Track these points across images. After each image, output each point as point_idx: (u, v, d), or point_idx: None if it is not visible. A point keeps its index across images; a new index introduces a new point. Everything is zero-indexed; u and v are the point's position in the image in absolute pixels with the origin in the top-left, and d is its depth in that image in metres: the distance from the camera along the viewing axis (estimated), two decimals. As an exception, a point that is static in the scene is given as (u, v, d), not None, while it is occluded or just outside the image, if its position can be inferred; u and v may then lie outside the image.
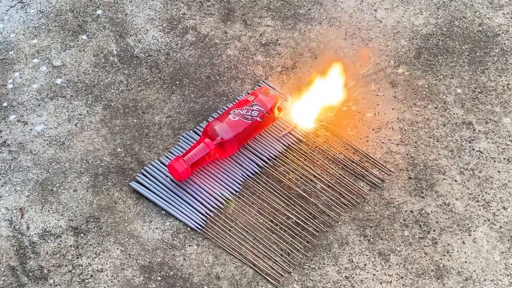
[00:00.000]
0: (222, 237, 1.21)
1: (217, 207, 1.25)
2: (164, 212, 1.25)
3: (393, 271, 1.19)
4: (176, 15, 1.57)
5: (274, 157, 1.32)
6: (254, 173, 1.30)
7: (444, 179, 1.31)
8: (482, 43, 1.54)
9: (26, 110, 1.39)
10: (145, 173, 1.29)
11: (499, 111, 1.42)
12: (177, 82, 1.45)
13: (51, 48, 1.50)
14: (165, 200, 1.25)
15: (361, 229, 1.24)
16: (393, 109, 1.41)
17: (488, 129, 1.38)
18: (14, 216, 1.24)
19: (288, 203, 1.26)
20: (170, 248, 1.20)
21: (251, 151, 1.33)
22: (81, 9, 1.58)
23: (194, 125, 1.37)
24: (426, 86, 1.46)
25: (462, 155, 1.34)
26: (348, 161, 1.32)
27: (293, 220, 1.24)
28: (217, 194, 1.26)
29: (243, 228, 1.23)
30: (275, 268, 1.18)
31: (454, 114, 1.41)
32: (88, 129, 1.37)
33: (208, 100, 1.41)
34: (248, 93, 1.38)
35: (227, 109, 1.34)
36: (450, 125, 1.39)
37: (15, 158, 1.32)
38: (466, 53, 1.52)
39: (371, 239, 1.22)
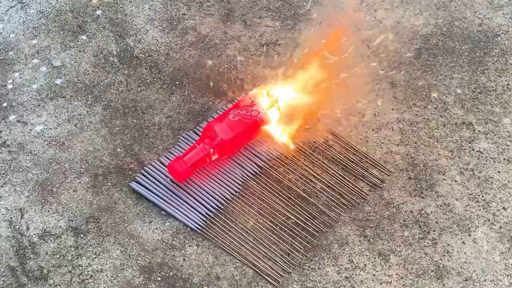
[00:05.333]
0: (222, 238, 1.21)
1: (217, 207, 1.25)
2: (164, 213, 1.25)
3: (393, 272, 1.19)
4: (176, 15, 1.57)
5: (274, 158, 1.32)
6: (254, 173, 1.30)
7: (444, 179, 1.31)
8: (482, 44, 1.54)
9: (26, 110, 1.39)
10: (145, 173, 1.29)
11: (499, 111, 1.42)
12: (177, 83, 1.45)
13: (51, 48, 1.50)
14: (165, 201, 1.25)
15: (361, 229, 1.24)
16: (393, 109, 1.41)
17: (488, 129, 1.38)
18: (14, 216, 1.24)
19: (288, 203, 1.26)
20: (170, 249, 1.20)
21: (251, 152, 1.33)
22: (81, 9, 1.58)
23: (194, 126, 1.37)
24: (426, 86, 1.46)
25: (462, 156, 1.34)
26: (348, 161, 1.32)
27: (293, 221, 1.24)
28: (217, 195, 1.26)
29: (243, 229, 1.23)
30: (275, 269, 1.18)
31: (454, 114, 1.41)
32: (88, 129, 1.37)
33: (208, 100, 1.41)
34: (247, 94, 1.38)
35: (226, 109, 1.34)
36: (450, 126, 1.39)
37: (15, 158, 1.32)
38: (466, 54, 1.52)
39: (371, 240, 1.22)
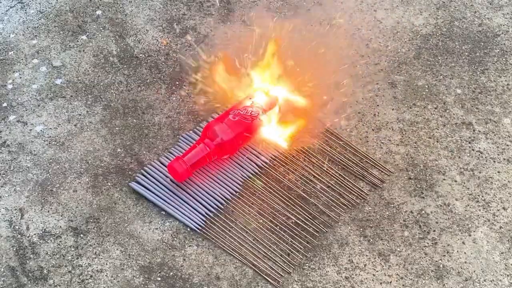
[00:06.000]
0: (222, 238, 1.21)
1: (217, 207, 1.25)
2: (164, 213, 1.25)
3: (393, 272, 1.19)
4: (176, 15, 1.57)
5: (274, 158, 1.32)
6: (254, 173, 1.30)
7: (444, 179, 1.31)
8: (482, 44, 1.54)
9: (26, 110, 1.39)
10: (145, 173, 1.29)
11: (499, 111, 1.42)
12: (177, 83, 1.45)
13: (51, 48, 1.50)
14: (165, 201, 1.25)
15: (361, 229, 1.24)
16: (393, 109, 1.41)
17: (488, 129, 1.38)
18: (14, 216, 1.24)
19: (288, 203, 1.26)
20: (170, 249, 1.20)
21: (251, 152, 1.33)
22: (81, 9, 1.58)
23: (193, 126, 1.37)
24: (426, 86, 1.46)
25: (462, 156, 1.34)
26: (348, 162, 1.32)
27: (293, 221, 1.24)
28: (217, 195, 1.26)
29: (243, 229, 1.23)
30: (275, 269, 1.18)
31: (454, 114, 1.41)
32: (88, 129, 1.37)
33: (208, 100, 1.41)
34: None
35: (226, 109, 1.34)
36: (450, 126, 1.39)
37: (15, 158, 1.32)
38: (466, 54, 1.52)
39: (371, 240, 1.22)
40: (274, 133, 1.34)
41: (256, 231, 1.22)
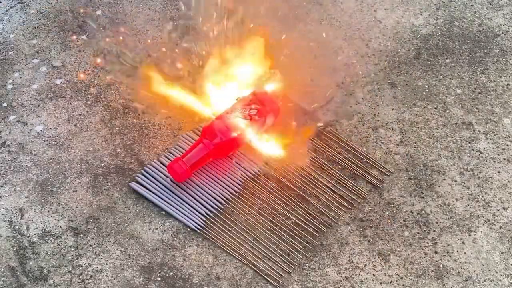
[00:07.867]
0: (222, 238, 1.21)
1: (217, 207, 1.25)
2: (164, 213, 1.25)
3: (393, 272, 1.19)
4: (176, 15, 1.57)
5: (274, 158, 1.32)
6: (254, 173, 1.30)
7: (444, 179, 1.31)
8: (482, 44, 1.54)
9: (26, 110, 1.39)
10: (145, 173, 1.29)
11: (499, 111, 1.42)
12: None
13: (51, 48, 1.50)
14: (165, 201, 1.25)
15: (361, 229, 1.24)
16: (393, 109, 1.41)
17: (488, 129, 1.38)
18: (14, 216, 1.24)
19: (287, 203, 1.26)
20: (170, 249, 1.20)
21: (250, 151, 1.32)
22: (81, 9, 1.58)
23: (193, 126, 1.37)
24: (426, 86, 1.46)
25: (462, 156, 1.34)
26: (348, 162, 1.32)
27: (293, 221, 1.24)
28: (217, 195, 1.26)
29: (243, 229, 1.23)
30: (275, 269, 1.18)
31: (454, 114, 1.41)
32: (88, 129, 1.37)
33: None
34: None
35: (226, 109, 1.34)
36: (450, 126, 1.39)
37: (15, 158, 1.32)
38: (466, 54, 1.52)
39: (371, 240, 1.22)
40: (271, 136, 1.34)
41: (255, 231, 1.22)
